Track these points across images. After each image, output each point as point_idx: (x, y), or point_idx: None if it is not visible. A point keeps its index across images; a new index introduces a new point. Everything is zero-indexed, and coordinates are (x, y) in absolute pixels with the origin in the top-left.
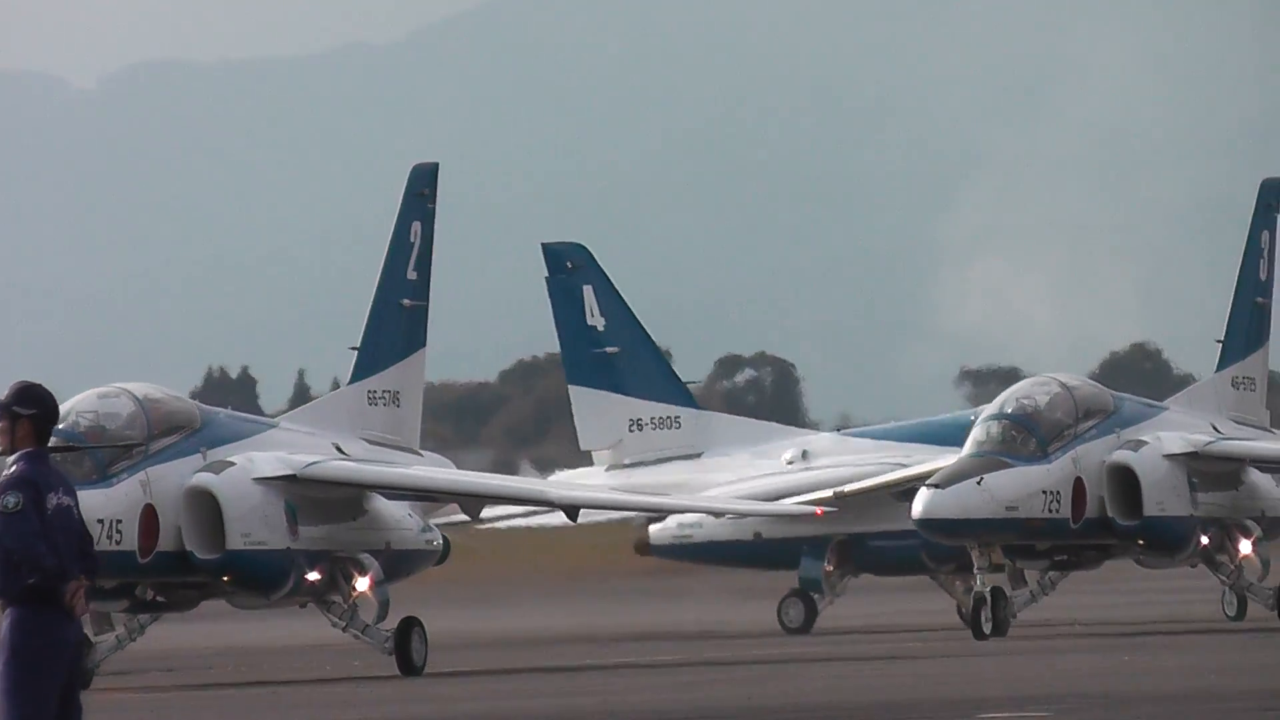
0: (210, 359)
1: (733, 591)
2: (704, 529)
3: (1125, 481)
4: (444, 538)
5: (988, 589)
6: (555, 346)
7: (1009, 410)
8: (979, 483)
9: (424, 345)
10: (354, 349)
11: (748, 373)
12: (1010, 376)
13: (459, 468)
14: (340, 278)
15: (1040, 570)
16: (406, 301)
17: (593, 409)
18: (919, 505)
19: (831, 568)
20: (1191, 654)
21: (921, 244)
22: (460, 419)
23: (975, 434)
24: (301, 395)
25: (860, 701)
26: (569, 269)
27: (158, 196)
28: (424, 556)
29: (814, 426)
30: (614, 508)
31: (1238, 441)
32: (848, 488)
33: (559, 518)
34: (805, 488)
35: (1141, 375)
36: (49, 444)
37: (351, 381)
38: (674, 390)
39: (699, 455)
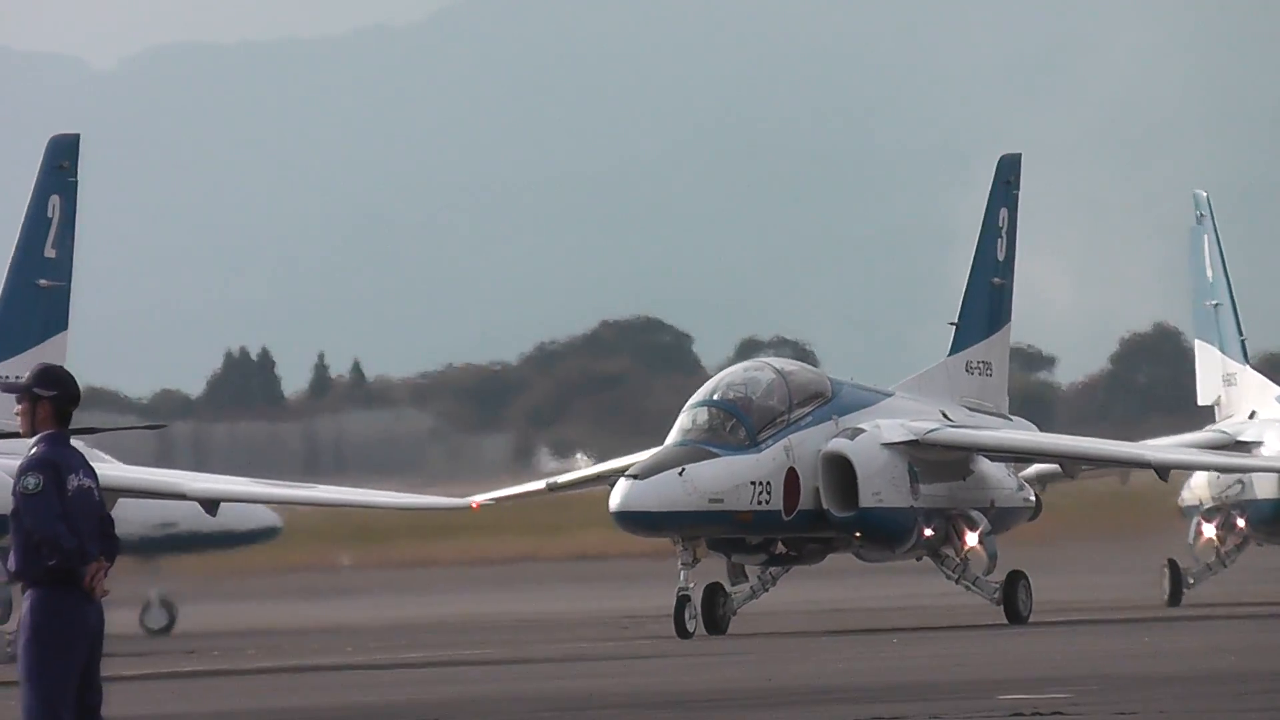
0: (230, 340)
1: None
2: None
3: (841, 471)
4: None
5: (691, 586)
6: (574, 329)
7: (716, 397)
8: (680, 474)
9: (66, 328)
10: None
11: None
12: (1031, 357)
13: (479, 452)
14: (360, 262)
15: (760, 565)
16: (44, 282)
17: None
18: (616, 497)
19: None
20: (1211, 635)
21: (939, 224)
22: (480, 402)
23: (681, 422)
24: (322, 378)
25: (880, 683)
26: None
27: (178, 178)
28: None
29: None
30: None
31: (962, 430)
32: (561, 479)
33: None
34: None
35: (1161, 356)
36: (69, 426)
37: None
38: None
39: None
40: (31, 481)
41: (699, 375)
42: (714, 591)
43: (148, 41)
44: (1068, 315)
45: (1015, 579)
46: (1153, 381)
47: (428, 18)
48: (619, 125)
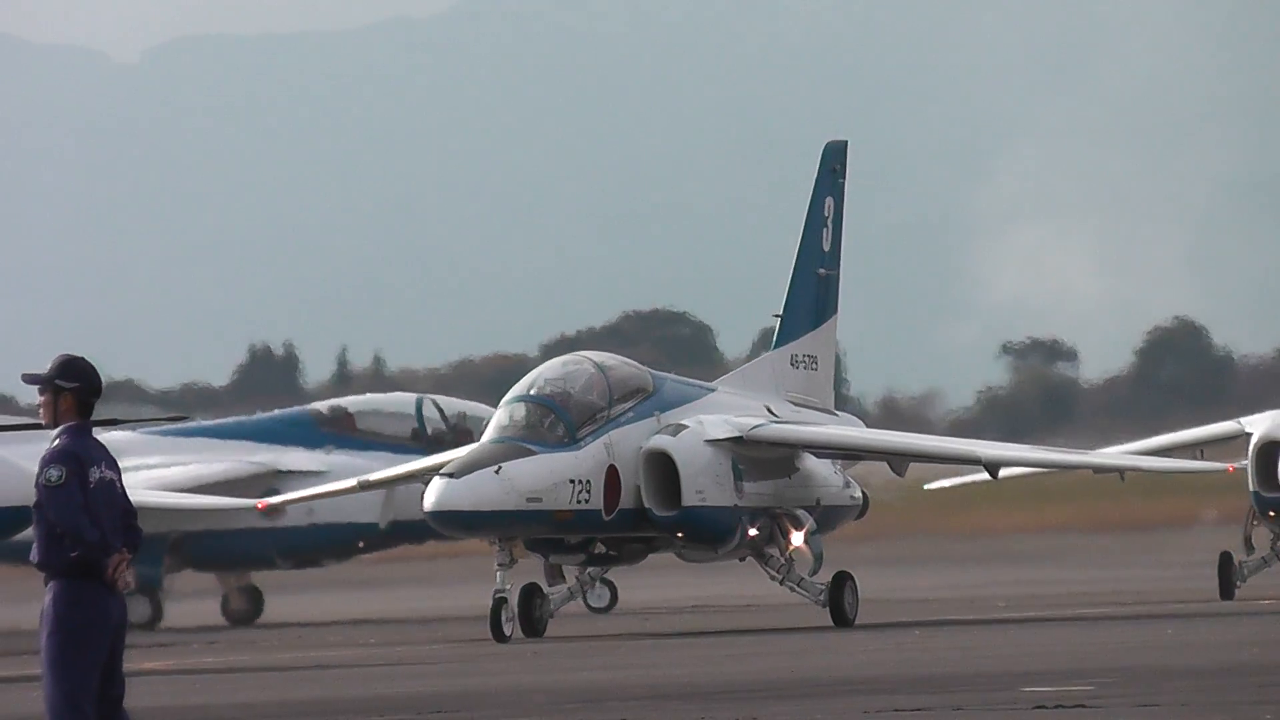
0: (253, 333)
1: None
2: None
3: (663, 469)
4: None
5: (508, 587)
6: (595, 321)
7: (533, 392)
8: (497, 471)
9: None
10: None
11: None
12: (1052, 349)
13: None
14: (382, 254)
15: (579, 565)
16: None
17: None
18: (431, 496)
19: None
20: (1233, 628)
21: (960, 214)
22: (502, 393)
23: (498, 418)
24: (344, 370)
25: (903, 675)
26: None
27: (200, 171)
28: None
29: (856, 400)
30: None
31: (788, 426)
32: (373, 476)
33: None
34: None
35: (1186, 349)
36: (92, 417)
37: None
38: None
39: None
40: (54, 473)
41: (721, 367)
42: (531, 593)
43: (169, 34)
44: (1090, 306)
45: (841, 580)
46: (1178, 375)
47: (449, 9)
48: (640, 117)
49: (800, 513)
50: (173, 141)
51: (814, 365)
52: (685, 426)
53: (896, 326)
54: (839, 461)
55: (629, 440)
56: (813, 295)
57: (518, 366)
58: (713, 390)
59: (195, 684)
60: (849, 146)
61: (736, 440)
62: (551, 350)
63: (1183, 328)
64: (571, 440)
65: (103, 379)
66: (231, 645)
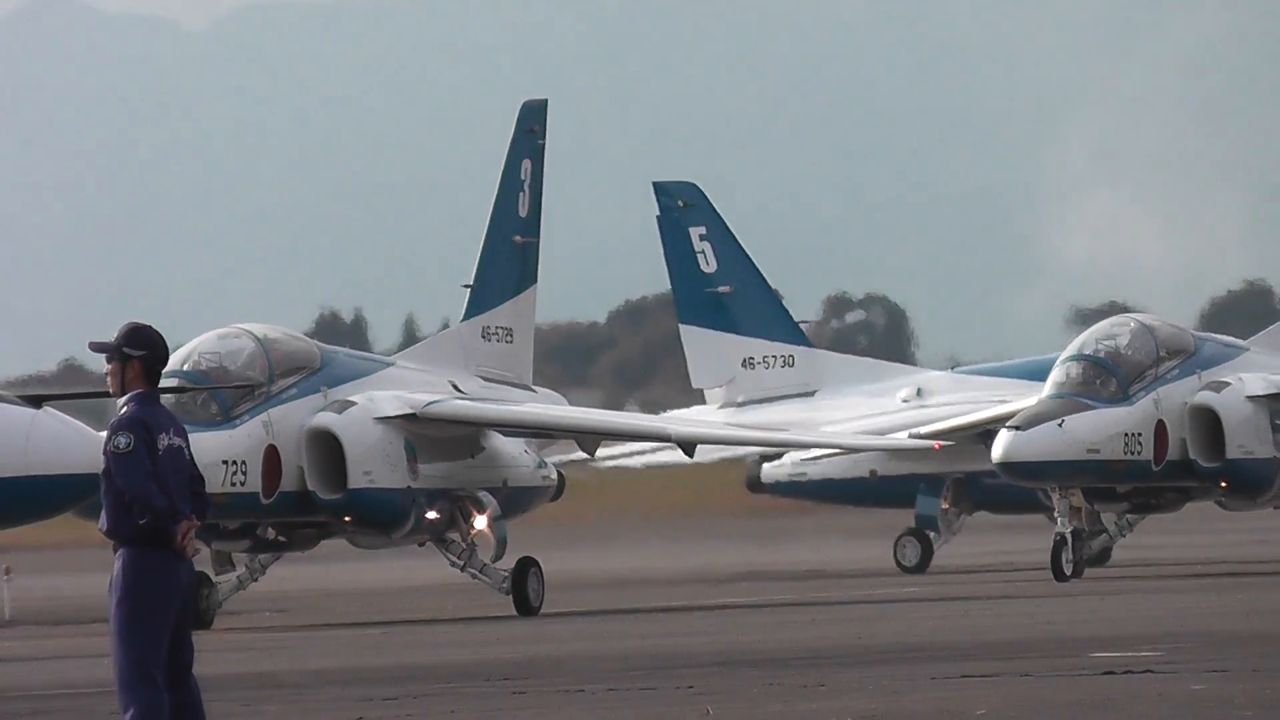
0: (322, 300)
1: (846, 530)
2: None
3: (328, 449)
4: None
5: None
6: (664, 286)
7: (187, 368)
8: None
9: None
10: None
11: (858, 313)
12: (1119, 314)
13: (572, 405)
14: (450, 217)
15: (246, 552)
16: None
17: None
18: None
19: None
20: None
21: (1029, 180)
22: (568, 359)
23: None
24: (411, 338)
25: (971, 641)
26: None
27: (268, 138)
28: None
29: (924, 367)
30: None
31: (467, 402)
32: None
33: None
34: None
35: (1251, 313)
36: (159, 385)
37: None
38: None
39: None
40: (122, 441)
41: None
42: (198, 582)
43: (238, 2)
44: (1158, 271)
45: (525, 566)
46: (1246, 338)
47: None
48: (708, 78)
49: (483, 495)
50: (242, 108)
51: (509, 338)
52: (353, 403)
53: (965, 293)
54: (533, 441)
55: (291, 418)
56: (509, 264)
57: (586, 333)
58: (390, 365)
59: (266, 651)
60: (548, 106)
61: (410, 418)
62: (617, 317)
63: (1250, 291)
64: (227, 419)
65: (170, 347)
66: (301, 612)
